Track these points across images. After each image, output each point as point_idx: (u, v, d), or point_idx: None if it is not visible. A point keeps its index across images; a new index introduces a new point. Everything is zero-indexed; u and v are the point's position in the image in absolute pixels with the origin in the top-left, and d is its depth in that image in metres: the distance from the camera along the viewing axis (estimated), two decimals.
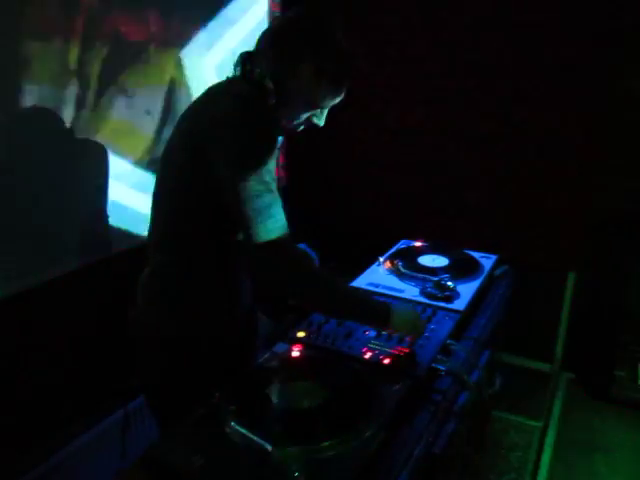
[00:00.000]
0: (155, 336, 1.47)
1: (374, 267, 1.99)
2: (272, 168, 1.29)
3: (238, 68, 1.38)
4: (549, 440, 2.46)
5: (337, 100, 1.41)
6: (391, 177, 3.14)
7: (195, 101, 1.41)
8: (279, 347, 1.48)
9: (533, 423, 2.61)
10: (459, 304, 1.71)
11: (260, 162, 1.25)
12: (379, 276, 1.91)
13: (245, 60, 1.36)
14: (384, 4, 2.89)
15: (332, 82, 1.33)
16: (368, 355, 1.42)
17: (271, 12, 2.72)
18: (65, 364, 1.97)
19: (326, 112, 1.45)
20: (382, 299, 1.73)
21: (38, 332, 1.86)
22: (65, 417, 1.98)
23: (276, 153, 1.36)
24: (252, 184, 1.24)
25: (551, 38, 2.59)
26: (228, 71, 1.40)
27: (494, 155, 2.86)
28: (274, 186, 1.29)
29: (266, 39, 1.35)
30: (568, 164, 2.70)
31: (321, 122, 1.45)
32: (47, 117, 1.79)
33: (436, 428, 1.33)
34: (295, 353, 1.44)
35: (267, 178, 1.26)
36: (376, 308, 1.41)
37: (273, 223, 1.26)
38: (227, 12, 2.43)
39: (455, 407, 1.46)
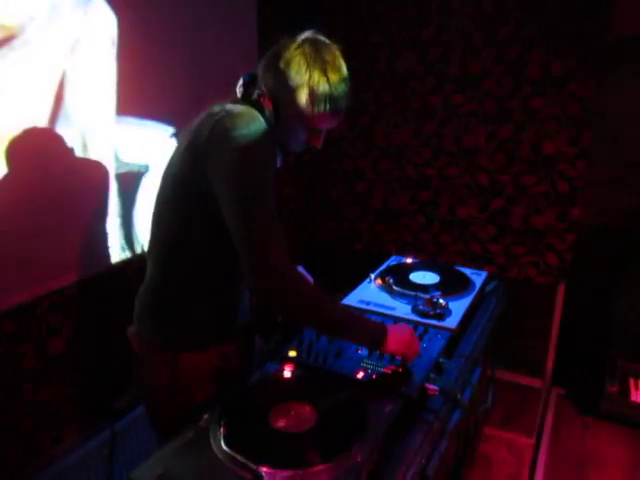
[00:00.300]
0: (153, 349, 1.48)
1: (365, 284, 1.99)
2: (271, 188, 1.30)
3: (240, 89, 1.42)
4: (541, 456, 2.45)
5: (334, 124, 1.43)
6: (380, 193, 3.15)
7: (197, 118, 1.44)
8: (270, 367, 1.47)
9: (525, 439, 2.60)
10: (451, 322, 1.70)
11: (259, 182, 1.27)
12: (370, 293, 1.90)
13: (247, 82, 1.41)
14: (372, 22, 2.92)
15: (328, 107, 1.35)
16: (360, 375, 1.41)
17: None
18: (53, 381, 1.94)
19: (324, 135, 1.47)
20: (374, 317, 1.73)
21: (26, 348, 1.83)
22: (51, 436, 1.95)
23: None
24: (252, 205, 1.25)
25: (536, 55, 2.62)
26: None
27: (482, 170, 2.87)
28: (273, 207, 1.30)
29: (266, 62, 1.38)
30: (555, 179, 2.72)
31: (319, 144, 1.48)
32: (47, 135, 1.80)
33: (429, 448, 1.32)
34: (286, 373, 1.42)
35: (266, 198, 1.27)
36: (372, 329, 1.40)
37: (274, 246, 1.26)
38: None
39: (448, 426, 1.45)
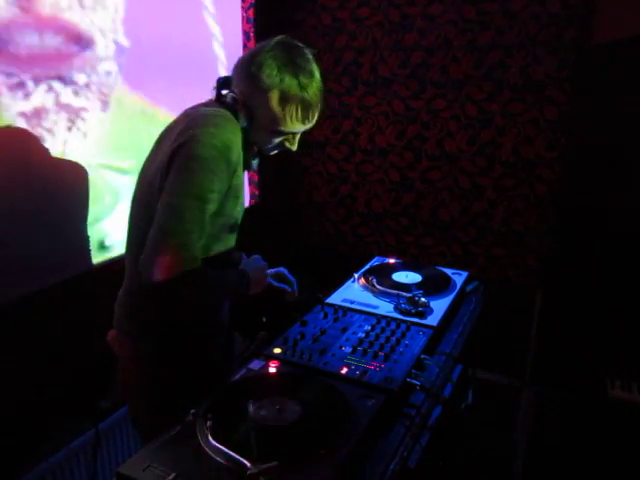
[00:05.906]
0: (133, 352, 1.49)
1: (349, 283, 2.02)
2: (219, 195, 1.32)
3: (213, 91, 1.44)
4: (521, 453, 2.50)
5: (307, 127, 1.44)
6: (364, 195, 3.18)
7: (173, 121, 1.46)
8: (255, 364, 1.49)
9: (505, 436, 2.65)
10: (432, 320, 1.74)
11: (201, 189, 1.27)
12: (354, 292, 1.93)
13: (221, 85, 1.43)
14: (356, 27, 2.96)
15: (299, 110, 1.37)
16: (344, 370, 1.43)
17: (244, 32, 2.75)
18: (35, 382, 1.93)
19: (298, 137, 1.49)
20: (357, 315, 1.76)
21: (10, 348, 1.83)
22: (34, 437, 1.94)
23: (241, 175, 1.40)
24: (183, 205, 1.26)
25: (517, 59, 2.68)
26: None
27: (463, 173, 2.92)
28: (209, 210, 1.30)
29: (239, 65, 1.40)
30: (535, 182, 2.78)
31: (294, 147, 1.49)
32: (26, 135, 1.80)
33: (411, 442, 1.34)
34: (271, 369, 1.44)
35: (198, 206, 1.27)
36: (235, 281, 1.49)
37: (170, 250, 1.27)
38: None
39: (429, 421, 1.48)
